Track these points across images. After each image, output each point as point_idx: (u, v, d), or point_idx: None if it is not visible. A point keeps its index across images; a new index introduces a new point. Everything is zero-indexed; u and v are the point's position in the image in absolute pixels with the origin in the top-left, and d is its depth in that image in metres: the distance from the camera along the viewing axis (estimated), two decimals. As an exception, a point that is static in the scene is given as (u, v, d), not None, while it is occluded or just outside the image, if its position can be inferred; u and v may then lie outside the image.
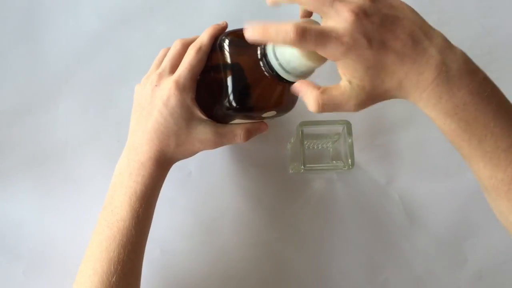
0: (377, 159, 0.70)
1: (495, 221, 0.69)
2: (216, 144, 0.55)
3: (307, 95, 0.44)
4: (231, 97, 0.51)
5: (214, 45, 0.54)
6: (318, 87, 0.44)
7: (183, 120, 0.52)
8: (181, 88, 0.51)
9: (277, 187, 0.69)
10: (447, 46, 0.41)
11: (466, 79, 0.40)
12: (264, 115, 0.54)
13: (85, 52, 0.72)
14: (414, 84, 0.41)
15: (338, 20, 0.41)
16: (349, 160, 0.61)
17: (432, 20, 0.44)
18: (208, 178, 0.69)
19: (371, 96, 0.44)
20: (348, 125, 0.61)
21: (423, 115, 0.73)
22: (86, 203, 0.67)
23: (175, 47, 0.55)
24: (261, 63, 0.49)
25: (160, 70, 0.54)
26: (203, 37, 0.53)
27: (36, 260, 0.66)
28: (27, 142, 0.69)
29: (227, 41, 0.52)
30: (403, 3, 0.43)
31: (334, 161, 0.68)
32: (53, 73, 0.71)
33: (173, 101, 0.51)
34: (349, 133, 0.61)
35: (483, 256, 0.69)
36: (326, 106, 0.44)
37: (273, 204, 0.69)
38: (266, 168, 0.70)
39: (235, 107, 0.52)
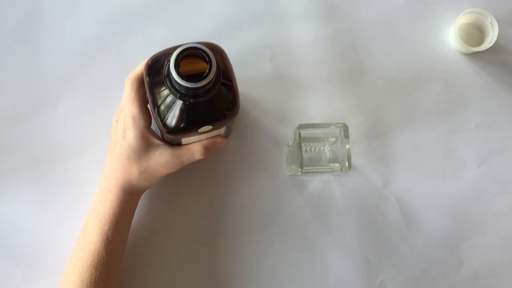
0: (374, 161, 0.71)
1: (491, 224, 0.70)
2: (176, 165, 0.58)
3: None
4: (160, 122, 0.53)
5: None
6: None
7: (141, 149, 0.56)
8: (132, 121, 0.55)
9: (274, 189, 0.69)
10: None
11: None
12: (201, 130, 0.55)
13: (84, 55, 0.72)
14: None
15: None
16: (346, 163, 0.61)
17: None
18: (206, 181, 0.69)
19: None
20: (345, 128, 0.61)
21: (419, 118, 0.74)
22: (85, 206, 0.67)
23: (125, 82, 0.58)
24: (168, 85, 0.49)
25: (120, 107, 0.58)
26: (137, 68, 0.57)
27: (35, 263, 0.66)
28: (26, 145, 0.69)
29: (146, 69, 0.54)
30: None
31: (331, 164, 0.69)
32: (51, 76, 0.72)
33: (129, 133, 0.55)
34: (346, 135, 0.61)
35: (479, 259, 0.69)
36: None
37: (271, 207, 0.69)
38: (264, 170, 0.70)
39: (166, 130, 0.53)
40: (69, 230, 0.67)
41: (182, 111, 0.52)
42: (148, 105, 0.56)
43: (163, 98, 0.52)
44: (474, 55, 0.75)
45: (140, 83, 0.56)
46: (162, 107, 0.52)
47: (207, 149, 0.59)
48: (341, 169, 0.62)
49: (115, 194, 0.57)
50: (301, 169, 0.61)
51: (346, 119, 0.71)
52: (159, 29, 0.74)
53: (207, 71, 0.48)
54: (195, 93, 0.48)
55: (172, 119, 0.52)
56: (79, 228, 0.66)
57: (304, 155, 0.70)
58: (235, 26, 0.74)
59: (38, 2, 0.74)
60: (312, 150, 0.70)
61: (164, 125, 0.53)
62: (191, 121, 0.53)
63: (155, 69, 0.53)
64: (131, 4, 0.74)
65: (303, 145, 0.67)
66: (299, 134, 0.61)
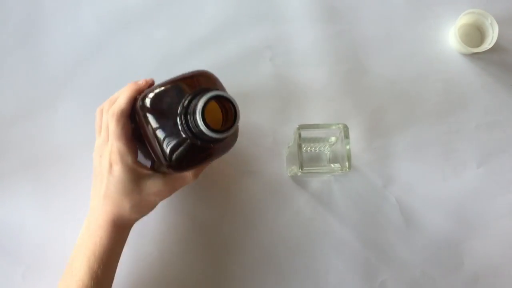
0: (374, 162, 0.71)
1: (491, 224, 0.70)
2: (170, 192, 0.57)
3: None
4: (165, 161, 0.51)
5: (136, 105, 0.52)
6: None
7: (131, 182, 0.53)
8: (118, 157, 0.52)
9: (275, 190, 0.69)
10: None
11: None
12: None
13: (84, 56, 0.72)
14: None
15: None
16: (347, 163, 0.61)
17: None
18: (206, 182, 0.69)
19: None
20: (345, 128, 0.61)
21: (419, 119, 0.74)
22: (86, 206, 0.67)
23: (103, 114, 0.55)
24: (188, 133, 0.48)
25: (100, 140, 0.55)
26: (120, 101, 0.53)
27: (35, 263, 0.66)
28: (27, 145, 0.69)
29: (147, 104, 0.50)
30: None
31: (331, 164, 0.69)
32: (52, 77, 0.72)
33: (116, 169, 0.53)
34: (346, 136, 0.61)
35: (480, 259, 0.69)
36: None
37: (271, 207, 0.69)
38: (264, 171, 0.70)
39: (174, 169, 0.52)
40: (69, 230, 0.67)
41: (193, 151, 0.50)
42: (143, 141, 0.53)
43: (170, 138, 0.49)
44: (474, 56, 0.75)
45: (126, 118, 0.53)
46: (170, 147, 0.49)
47: (199, 171, 0.58)
48: (341, 170, 0.62)
49: (105, 230, 0.54)
50: (301, 169, 0.61)
51: (346, 120, 0.71)
52: (159, 30, 0.74)
53: (233, 119, 0.47)
54: (217, 139, 0.47)
55: (181, 158, 0.50)
56: (79, 228, 0.66)
57: (304, 155, 0.70)
58: (235, 27, 0.74)
59: (38, 3, 0.74)
60: (313, 151, 0.70)
61: (171, 165, 0.50)
62: (201, 160, 0.52)
63: (159, 108, 0.50)
64: (131, 5, 0.74)
65: (303, 146, 0.67)
66: (299, 135, 0.61)
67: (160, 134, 0.49)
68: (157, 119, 0.50)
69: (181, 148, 0.50)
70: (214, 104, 0.48)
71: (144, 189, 0.54)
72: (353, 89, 0.73)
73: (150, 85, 0.55)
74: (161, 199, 0.57)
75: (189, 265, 0.67)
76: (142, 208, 0.56)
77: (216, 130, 0.45)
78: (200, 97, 0.45)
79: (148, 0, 0.75)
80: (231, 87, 0.72)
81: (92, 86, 0.72)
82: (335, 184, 0.70)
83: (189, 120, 0.46)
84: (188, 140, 0.49)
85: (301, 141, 0.61)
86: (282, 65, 0.73)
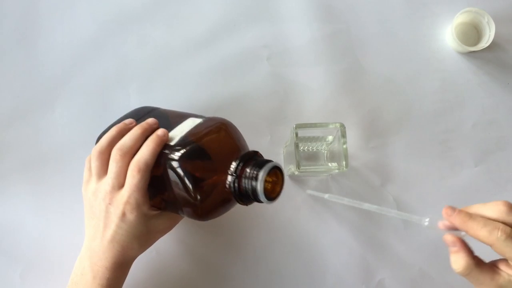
0: (371, 161, 0.71)
1: (489, 223, 0.70)
2: (172, 227, 0.58)
3: (461, 256, 0.45)
4: (200, 214, 0.52)
5: (161, 158, 0.52)
6: (472, 254, 0.45)
7: (143, 226, 0.53)
8: (134, 206, 0.52)
9: (272, 189, 0.70)
10: None
11: None
12: None
13: (81, 56, 0.72)
14: None
15: None
16: (344, 162, 0.61)
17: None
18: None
19: None
20: (342, 127, 0.61)
21: (416, 117, 0.74)
22: (83, 205, 0.67)
23: (117, 162, 0.52)
24: (237, 197, 0.50)
25: (108, 187, 0.53)
26: (147, 156, 0.52)
27: (33, 263, 0.66)
28: (24, 146, 0.69)
29: (180, 159, 0.51)
30: None
31: (328, 163, 0.69)
32: (49, 77, 0.72)
33: (130, 217, 0.52)
34: (343, 135, 0.61)
35: (477, 257, 0.69)
36: (470, 276, 0.44)
37: (269, 206, 0.69)
38: (262, 170, 0.70)
39: (203, 219, 0.53)
40: (67, 230, 0.67)
41: (226, 205, 0.53)
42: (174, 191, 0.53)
43: (203, 192, 0.51)
44: (471, 54, 0.75)
45: (149, 172, 0.52)
46: (203, 201, 0.51)
47: None
48: (339, 169, 0.62)
49: (113, 272, 0.54)
50: (299, 168, 0.61)
51: (343, 119, 0.71)
52: (156, 30, 0.74)
53: (281, 186, 0.50)
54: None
55: (213, 210, 0.52)
56: (77, 229, 0.66)
57: (302, 154, 0.70)
58: (232, 27, 0.74)
59: (35, 3, 0.74)
60: (310, 150, 0.70)
61: (201, 215, 0.52)
62: (227, 209, 0.54)
63: (191, 164, 0.51)
64: (128, 5, 0.74)
65: (300, 145, 0.67)
66: (296, 134, 0.61)
67: (193, 186, 0.50)
68: (189, 174, 0.50)
69: (213, 202, 0.52)
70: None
71: (152, 229, 0.55)
72: (350, 88, 0.73)
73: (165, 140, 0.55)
74: (163, 235, 0.57)
75: (187, 263, 0.67)
76: (147, 245, 0.56)
77: (271, 198, 0.49)
78: (258, 166, 0.48)
79: (144, 0, 0.75)
80: (228, 86, 0.73)
81: (89, 86, 0.72)
82: (332, 183, 0.70)
83: (243, 184, 0.49)
84: (220, 195, 0.51)
85: (298, 140, 0.61)
86: (279, 65, 0.73)
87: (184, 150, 0.51)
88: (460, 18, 0.73)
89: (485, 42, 0.72)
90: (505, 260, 0.44)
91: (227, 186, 0.50)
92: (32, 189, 0.68)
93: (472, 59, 0.75)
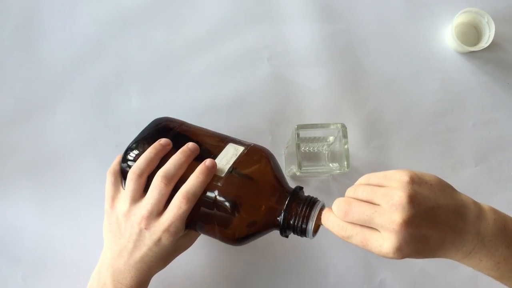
0: (373, 161, 0.71)
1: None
2: (192, 244, 0.59)
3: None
4: (238, 242, 0.54)
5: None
6: None
7: (172, 247, 0.54)
8: (174, 234, 0.52)
9: (273, 190, 0.70)
10: (478, 216, 0.45)
11: (500, 237, 0.45)
12: None
13: (82, 58, 0.73)
14: (454, 255, 0.46)
15: (385, 232, 0.44)
16: (345, 163, 0.61)
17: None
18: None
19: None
20: (343, 127, 0.62)
21: (417, 117, 0.74)
22: (85, 208, 0.68)
23: (160, 190, 0.52)
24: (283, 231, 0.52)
25: (146, 213, 0.52)
26: (197, 187, 0.52)
27: (35, 265, 0.66)
28: (26, 148, 0.69)
29: (231, 193, 0.52)
30: (432, 183, 0.46)
31: (330, 164, 0.69)
32: (50, 79, 0.72)
33: (165, 242, 0.52)
34: (345, 135, 0.61)
35: (478, 257, 0.70)
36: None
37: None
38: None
39: (239, 244, 0.54)
40: (69, 232, 0.67)
41: (263, 231, 0.54)
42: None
43: (248, 225, 0.53)
44: (471, 54, 0.75)
45: (195, 202, 0.52)
46: (244, 233, 0.53)
47: None
48: (340, 169, 0.62)
49: None
50: (300, 169, 0.61)
51: (344, 119, 0.71)
52: (156, 31, 0.74)
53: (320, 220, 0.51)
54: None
55: (250, 239, 0.54)
56: (80, 230, 0.67)
57: (303, 155, 0.70)
58: (232, 28, 0.74)
59: (36, 5, 0.74)
60: (311, 150, 0.71)
61: (238, 242, 0.54)
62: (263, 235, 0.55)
63: (241, 198, 0.52)
64: (128, 6, 0.74)
65: (301, 146, 0.67)
66: (298, 135, 0.61)
67: (238, 217, 0.51)
68: (238, 206, 0.51)
69: (251, 232, 0.53)
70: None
71: (178, 248, 0.56)
72: (351, 89, 0.73)
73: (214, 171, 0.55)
74: (182, 252, 0.58)
75: (186, 264, 0.67)
76: (170, 261, 0.57)
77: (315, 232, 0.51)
78: (311, 207, 0.50)
79: (145, 1, 0.75)
80: (229, 87, 0.73)
81: (91, 87, 0.72)
82: (333, 184, 0.70)
83: (292, 220, 0.50)
84: (262, 226, 0.53)
85: (299, 141, 0.62)
86: (279, 65, 0.73)
87: (235, 182, 0.52)
88: (460, 18, 0.73)
89: (485, 42, 0.73)
90: None
91: (278, 220, 0.51)
92: (34, 191, 0.68)
93: (472, 59, 0.75)
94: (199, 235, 0.59)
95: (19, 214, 0.68)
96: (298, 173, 0.62)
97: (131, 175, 0.53)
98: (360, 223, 0.45)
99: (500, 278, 0.48)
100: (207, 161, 0.52)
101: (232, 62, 0.73)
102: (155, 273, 0.56)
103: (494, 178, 0.72)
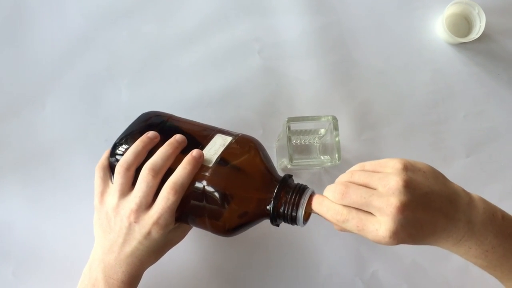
0: (364, 153, 0.71)
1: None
2: (183, 238, 0.58)
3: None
4: (229, 233, 0.53)
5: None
6: None
7: (163, 241, 0.54)
8: (163, 226, 0.52)
9: (265, 183, 0.70)
10: (469, 204, 0.47)
11: (489, 226, 0.46)
12: None
13: (71, 52, 0.72)
14: (445, 242, 0.47)
15: (382, 216, 0.44)
16: (336, 155, 0.61)
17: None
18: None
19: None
20: (334, 120, 0.61)
21: (408, 109, 0.74)
22: (75, 202, 0.67)
23: (148, 182, 0.52)
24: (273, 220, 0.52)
25: (135, 206, 0.52)
26: (184, 178, 0.51)
27: (26, 261, 0.66)
28: (15, 143, 0.69)
29: (218, 182, 0.52)
30: (425, 171, 0.47)
31: (321, 156, 0.69)
32: (39, 73, 0.71)
33: (155, 235, 0.52)
34: (336, 128, 0.61)
35: (469, 248, 0.70)
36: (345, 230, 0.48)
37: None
38: (254, 164, 0.70)
39: (230, 235, 0.54)
40: (60, 227, 0.67)
41: (254, 222, 0.54)
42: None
43: (237, 212, 0.52)
44: (462, 46, 0.75)
45: (183, 193, 0.52)
46: (234, 223, 0.52)
47: None
48: (331, 162, 0.62)
49: (128, 285, 0.54)
50: (291, 162, 0.61)
51: (335, 111, 0.71)
52: (146, 24, 0.73)
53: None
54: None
55: (240, 230, 0.54)
56: (70, 225, 0.66)
57: (294, 148, 0.70)
58: (223, 20, 0.74)
59: (23, -2, 0.73)
60: (302, 143, 0.70)
61: (229, 233, 0.53)
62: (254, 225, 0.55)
63: (229, 188, 0.52)
64: (117, -1, 0.74)
65: (292, 138, 0.67)
66: (289, 127, 0.61)
67: (228, 208, 0.51)
68: (226, 196, 0.51)
69: (242, 222, 0.53)
70: None
71: (169, 242, 0.56)
72: (342, 81, 0.73)
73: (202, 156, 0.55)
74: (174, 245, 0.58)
75: (180, 256, 0.67)
76: (161, 256, 0.57)
77: (305, 221, 0.51)
78: (300, 194, 0.50)
79: (134, -6, 0.74)
80: (220, 80, 0.73)
81: (80, 81, 0.71)
82: (325, 176, 0.70)
83: (282, 208, 0.50)
84: (252, 216, 0.52)
85: (290, 133, 0.62)
86: (270, 58, 0.73)
87: (223, 172, 0.52)
88: (450, 9, 0.73)
89: (475, 33, 0.73)
90: None
91: (268, 209, 0.51)
92: (24, 186, 0.68)
93: (463, 50, 0.75)
94: (190, 228, 0.59)
95: (9, 210, 0.67)
96: (289, 166, 0.62)
97: (119, 168, 0.53)
98: (357, 206, 0.45)
99: (488, 267, 0.49)
100: (194, 152, 0.52)
101: (222, 55, 0.73)
102: (147, 268, 0.56)
103: (485, 169, 0.72)
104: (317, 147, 0.70)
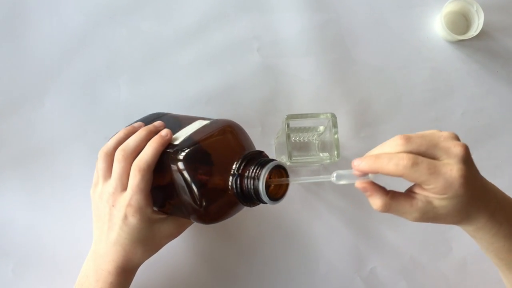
0: (363, 150, 0.70)
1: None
2: (179, 233, 0.57)
3: (376, 197, 0.46)
4: (204, 216, 0.51)
5: (164, 158, 0.52)
6: (386, 191, 0.46)
7: (146, 230, 0.53)
8: (137, 210, 0.51)
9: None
10: (492, 185, 0.48)
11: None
12: None
13: (71, 49, 0.72)
14: (483, 214, 0.46)
15: (450, 157, 0.43)
16: (335, 152, 0.61)
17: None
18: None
19: (437, 219, 0.45)
20: (333, 117, 0.62)
21: (406, 106, 0.74)
22: (74, 200, 0.67)
23: (120, 163, 0.52)
24: (240, 198, 0.50)
25: (112, 189, 0.52)
26: (148, 156, 0.51)
27: (26, 258, 0.66)
28: (14, 140, 0.69)
29: (183, 160, 0.50)
30: None
31: (320, 154, 0.69)
32: (38, 71, 0.71)
33: (133, 220, 0.52)
34: (335, 125, 0.61)
35: (467, 245, 0.70)
36: (391, 210, 0.46)
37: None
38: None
39: (208, 222, 0.53)
40: (59, 224, 0.67)
41: (230, 206, 0.52)
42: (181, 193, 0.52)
43: (208, 193, 0.50)
44: (460, 43, 0.75)
45: (151, 172, 0.51)
46: (207, 203, 0.50)
47: None
48: (330, 159, 0.63)
49: (115, 277, 0.54)
50: (290, 159, 0.61)
51: (334, 109, 0.71)
52: (145, 22, 0.73)
53: (286, 186, 0.49)
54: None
55: (218, 212, 0.52)
56: (69, 222, 0.66)
57: (293, 145, 0.70)
58: (222, 17, 0.74)
59: (22, -5, 0.73)
60: (301, 140, 0.71)
61: (205, 219, 0.52)
62: (233, 213, 0.54)
63: (195, 165, 0.50)
64: (116, -4, 0.74)
65: (292, 136, 0.67)
66: (288, 125, 0.61)
67: (197, 189, 0.49)
68: (194, 176, 0.50)
69: (217, 205, 0.51)
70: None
71: (157, 234, 0.54)
72: (341, 78, 0.73)
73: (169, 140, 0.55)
74: (170, 241, 0.57)
75: (178, 254, 0.67)
76: (152, 251, 0.56)
77: (275, 198, 0.48)
78: (260, 166, 0.47)
79: (133, -8, 0.74)
80: (219, 78, 0.73)
81: (79, 79, 0.71)
82: (324, 173, 0.70)
83: (245, 184, 0.48)
84: (225, 197, 0.50)
85: (289, 131, 0.62)
86: (269, 55, 0.73)
87: (188, 149, 0.50)
88: (449, 7, 0.73)
89: (474, 31, 0.73)
90: (417, 185, 0.45)
91: (229, 186, 0.49)
92: (22, 183, 0.68)
93: (461, 48, 0.75)
94: (184, 225, 0.57)
95: (8, 207, 0.67)
96: (288, 163, 0.62)
97: (100, 153, 0.54)
98: (423, 150, 0.43)
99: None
100: (163, 131, 0.53)
101: (221, 52, 0.73)
102: (136, 261, 0.55)
103: (483, 166, 0.72)
104: (316, 145, 0.70)
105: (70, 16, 0.73)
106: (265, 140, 0.71)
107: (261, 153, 0.51)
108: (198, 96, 0.71)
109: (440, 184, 0.41)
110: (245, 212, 0.68)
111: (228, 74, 0.72)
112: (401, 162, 0.41)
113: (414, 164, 0.41)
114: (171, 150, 0.51)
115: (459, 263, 0.70)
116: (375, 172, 0.44)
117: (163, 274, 0.66)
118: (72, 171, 0.68)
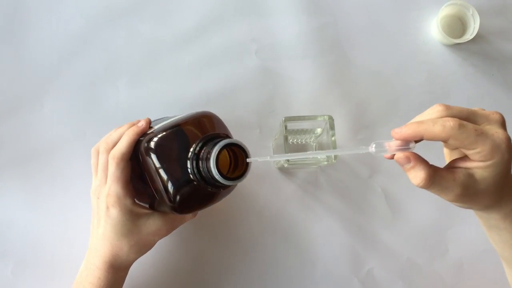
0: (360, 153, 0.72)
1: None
2: (169, 231, 0.56)
3: (419, 168, 0.42)
4: (172, 203, 0.51)
5: (138, 147, 0.52)
6: (429, 164, 0.43)
7: (129, 223, 0.53)
8: (116, 199, 0.52)
9: (262, 182, 0.70)
10: None
11: None
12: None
13: (70, 51, 0.72)
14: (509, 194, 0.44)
15: (490, 123, 0.42)
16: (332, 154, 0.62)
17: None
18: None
19: (475, 198, 0.43)
20: (330, 119, 0.62)
21: (403, 109, 0.75)
22: (73, 201, 0.68)
23: (101, 154, 0.54)
24: (199, 180, 0.49)
25: (98, 182, 0.54)
26: (122, 144, 0.52)
27: (25, 259, 0.66)
28: (14, 142, 0.69)
29: (153, 148, 0.51)
30: None
31: (317, 156, 0.69)
32: (37, 73, 0.71)
33: (114, 211, 0.52)
34: (332, 127, 0.62)
35: (464, 246, 0.71)
36: (434, 184, 0.42)
37: (258, 199, 0.70)
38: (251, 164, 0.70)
39: (180, 211, 0.52)
40: (58, 225, 0.67)
41: (198, 194, 0.51)
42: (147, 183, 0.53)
43: (176, 181, 0.50)
44: (456, 46, 0.76)
45: (126, 161, 0.52)
46: (175, 190, 0.50)
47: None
48: (327, 161, 0.63)
49: (103, 272, 0.54)
50: (287, 161, 0.61)
51: (331, 111, 0.71)
52: (144, 24, 0.74)
53: (246, 166, 0.48)
54: (227, 185, 0.48)
55: (186, 201, 0.51)
56: (68, 223, 0.66)
57: (291, 147, 0.71)
58: (220, 21, 0.74)
59: (22, -2, 0.73)
60: (299, 142, 0.71)
61: (175, 207, 0.51)
62: (206, 202, 0.53)
63: (165, 152, 0.50)
64: (115, -1, 0.74)
65: (289, 138, 0.68)
66: (285, 127, 0.62)
67: (165, 176, 0.50)
68: (162, 162, 0.50)
69: (186, 192, 0.50)
70: (224, 151, 0.48)
71: (143, 229, 0.54)
72: (338, 81, 0.74)
73: (148, 123, 0.56)
74: (160, 238, 0.56)
75: (175, 255, 0.67)
76: (140, 248, 0.55)
77: (230, 178, 0.47)
78: (213, 145, 0.46)
79: (132, -6, 0.74)
80: (217, 80, 0.73)
81: (78, 81, 0.71)
82: (321, 175, 0.71)
83: (200, 166, 0.47)
84: (195, 183, 0.49)
85: (287, 133, 0.62)
86: (267, 58, 0.74)
87: (155, 137, 0.51)
88: (445, 10, 0.74)
89: (470, 34, 0.73)
90: (458, 159, 0.44)
91: (189, 170, 0.49)
92: (22, 184, 0.68)
93: (457, 51, 0.76)
94: (174, 222, 0.57)
95: (8, 208, 0.68)
96: (286, 165, 0.62)
97: (92, 150, 0.56)
98: (464, 115, 0.41)
99: None
100: (140, 122, 0.54)
101: (219, 55, 0.74)
102: (123, 257, 0.55)
103: (479, 169, 0.73)
104: (314, 146, 0.71)
105: (69, 19, 0.73)
106: (263, 142, 0.71)
107: (219, 134, 0.50)
108: (196, 98, 0.72)
109: (488, 146, 0.40)
110: (242, 213, 0.69)
111: (226, 77, 0.73)
112: (448, 124, 0.39)
113: (461, 125, 0.39)
114: (142, 138, 0.52)
115: (456, 264, 0.70)
116: (419, 137, 0.42)
117: (160, 274, 0.67)
118: (71, 172, 0.69)
